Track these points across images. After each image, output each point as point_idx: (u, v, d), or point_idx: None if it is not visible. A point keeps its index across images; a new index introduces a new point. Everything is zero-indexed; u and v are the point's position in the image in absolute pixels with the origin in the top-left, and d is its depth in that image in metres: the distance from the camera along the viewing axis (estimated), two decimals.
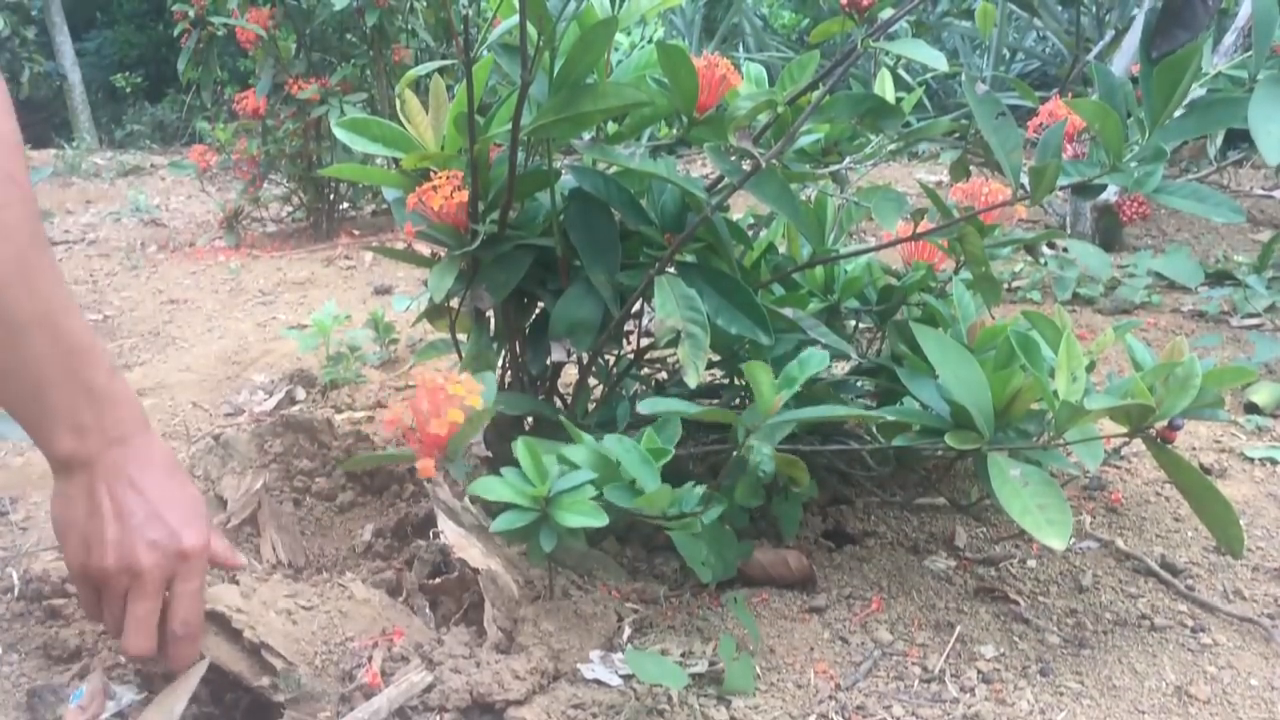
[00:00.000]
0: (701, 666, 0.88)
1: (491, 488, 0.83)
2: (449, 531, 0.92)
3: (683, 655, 0.90)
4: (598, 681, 0.85)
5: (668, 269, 0.95)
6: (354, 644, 0.85)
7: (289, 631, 0.84)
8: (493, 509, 0.87)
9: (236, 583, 0.88)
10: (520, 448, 0.85)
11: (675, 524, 0.88)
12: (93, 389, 0.70)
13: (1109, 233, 2.66)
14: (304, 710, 0.80)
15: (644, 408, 0.88)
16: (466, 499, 0.94)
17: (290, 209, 3.57)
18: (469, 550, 0.91)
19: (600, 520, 0.81)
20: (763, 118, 0.99)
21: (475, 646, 0.86)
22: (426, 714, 0.79)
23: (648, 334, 1.05)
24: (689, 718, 0.81)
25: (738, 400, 1.20)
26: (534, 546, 0.84)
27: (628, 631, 0.95)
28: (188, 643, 0.77)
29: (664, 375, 1.29)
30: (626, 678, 0.86)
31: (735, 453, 0.90)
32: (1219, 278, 2.27)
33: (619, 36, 1.25)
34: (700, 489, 0.87)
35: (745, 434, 0.88)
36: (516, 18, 0.89)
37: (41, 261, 0.67)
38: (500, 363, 1.12)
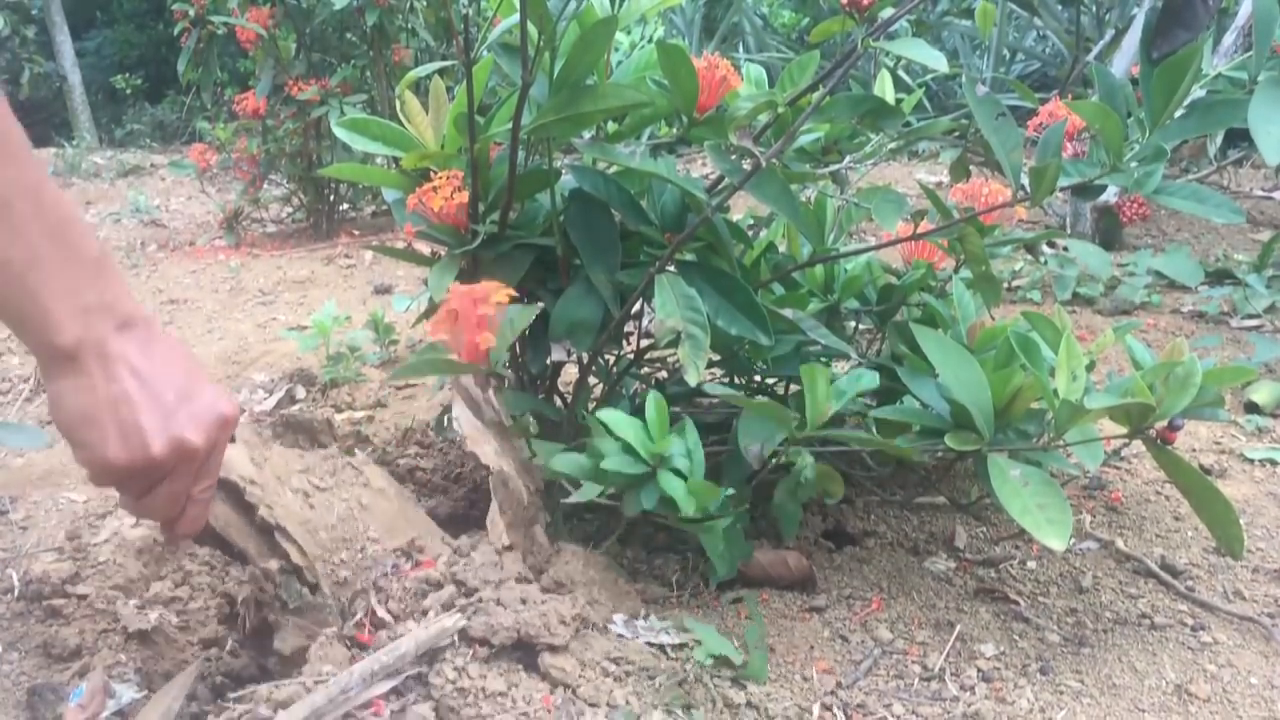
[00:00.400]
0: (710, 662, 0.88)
1: (619, 423, 0.82)
2: (465, 423, 0.86)
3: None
4: (623, 637, 0.85)
5: (668, 268, 0.96)
6: (377, 548, 0.79)
7: (307, 518, 0.78)
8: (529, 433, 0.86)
9: (233, 440, 0.81)
10: (651, 400, 0.85)
11: (695, 527, 0.88)
12: (89, 261, 0.63)
13: (1109, 233, 2.66)
14: (312, 618, 0.75)
15: (711, 389, 0.90)
16: (491, 392, 0.90)
17: (290, 209, 3.57)
18: (482, 446, 0.86)
19: (713, 503, 0.83)
20: (763, 118, 0.99)
21: (502, 567, 0.82)
22: (464, 644, 0.75)
23: (648, 334, 1.05)
24: (707, 696, 0.81)
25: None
26: (633, 498, 0.84)
27: None
28: (203, 507, 0.72)
29: (664, 375, 1.29)
30: (649, 645, 0.86)
31: (731, 451, 0.90)
32: (1219, 277, 2.27)
33: (619, 36, 1.25)
34: (729, 492, 0.88)
35: (786, 442, 0.89)
36: (516, 17, 0.89)
37: (12, 132, 0.60)
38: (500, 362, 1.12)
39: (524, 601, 0.78)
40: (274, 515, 0.76)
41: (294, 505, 0.78)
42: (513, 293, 0.83)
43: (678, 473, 0.84)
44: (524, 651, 0.77)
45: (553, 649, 0.76)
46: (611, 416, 0.83)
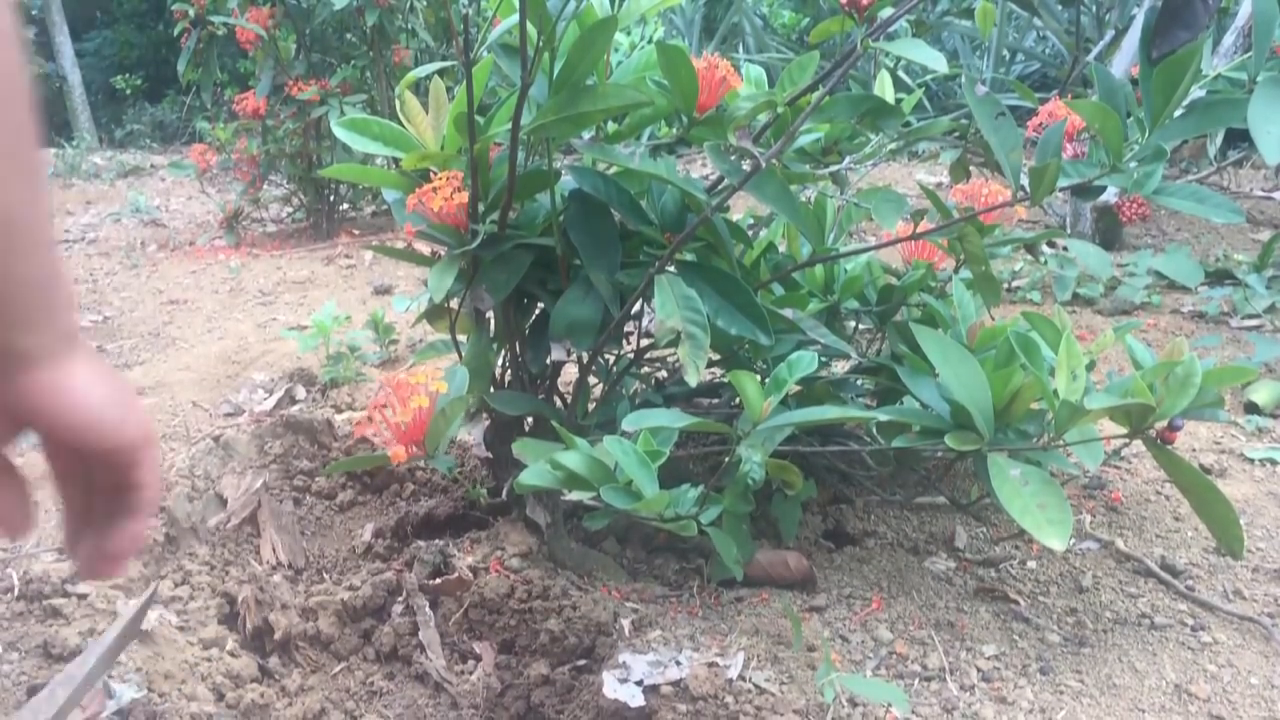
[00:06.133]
0: (737, 665, 0.88)
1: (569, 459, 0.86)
2: None
3: (718, 654, 0.90)
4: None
5: (668, 269, 0.95)
6: None
7: None
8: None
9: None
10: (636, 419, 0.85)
11: (673, 525, 0.88)
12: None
13: (1109, 233, 2.66)
14: None
15: (629, 423, 0.87)
16: None
17: (290, 209, 3.57)
18: None
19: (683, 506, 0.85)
20: (762, 118, 0.99)
21: None
22: None
23: (648, 334, 1.05)
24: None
25: (738, 399, 1.20)
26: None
27: (627, 630, 0.95)
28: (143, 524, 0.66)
29: (664, 374, 1.29)
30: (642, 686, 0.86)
31: (727, 458, 0.90)
32: (1219, 278, 2.27)
33: (619, 36, 1.25)
34: (696, 492, 0.87)
35: (737, 441, 0.88)
36: (516, 18, 0.89)
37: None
38: (500, 362, 1.12)
39: None
40: None
41: None
42: (444, 385, 0.86)
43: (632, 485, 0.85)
44: None
45: None
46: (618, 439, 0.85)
